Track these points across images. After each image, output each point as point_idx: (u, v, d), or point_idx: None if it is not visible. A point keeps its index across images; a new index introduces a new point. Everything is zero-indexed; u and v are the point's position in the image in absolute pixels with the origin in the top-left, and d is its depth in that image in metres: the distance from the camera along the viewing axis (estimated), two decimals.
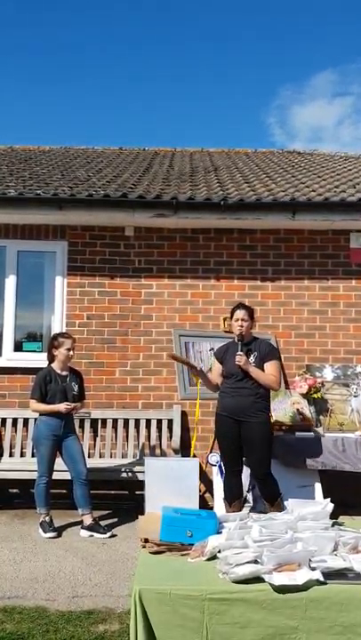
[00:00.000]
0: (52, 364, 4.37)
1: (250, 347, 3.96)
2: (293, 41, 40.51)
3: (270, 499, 3.81)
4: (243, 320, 3.96)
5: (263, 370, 3.89)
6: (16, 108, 39.26)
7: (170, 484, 3.45)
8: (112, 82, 43.91)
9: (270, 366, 3.91)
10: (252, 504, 4.32)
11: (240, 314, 3.99)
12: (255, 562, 2.14)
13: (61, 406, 4.22)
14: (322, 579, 2.07)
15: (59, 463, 4.34)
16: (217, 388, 4.08)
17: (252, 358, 3.90)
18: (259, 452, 3.82)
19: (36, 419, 4.48)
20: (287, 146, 25.19)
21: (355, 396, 4.94)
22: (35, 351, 5.31)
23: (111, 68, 42.16)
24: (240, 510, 3.66)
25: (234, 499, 3.93)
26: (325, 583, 2.07)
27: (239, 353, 3.85)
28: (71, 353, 4.36)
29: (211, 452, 4.76)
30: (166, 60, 41.54)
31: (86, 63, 41.72)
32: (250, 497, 4.35)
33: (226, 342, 4.21)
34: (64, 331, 5.15)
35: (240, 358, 3.83)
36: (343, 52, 42.86)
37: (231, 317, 4.06)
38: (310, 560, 2.15)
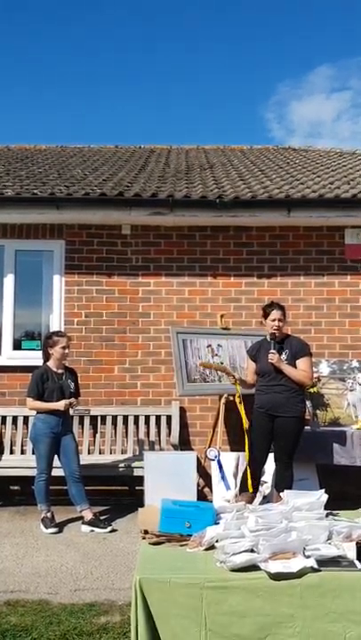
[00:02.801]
0: (48, 363, 4.42)
1: (282, 344, 4.07)
2: (291, 37, 40.51)
3: (281, 488, 3.88)
4: (279, 320, 4.06)
5: (295, 366, 3.99)
6: (12, 108, 39.18)
7: (168, 478, 3.52)
8: (109, 79, 43.81)
9: (302, 363, 4.02)
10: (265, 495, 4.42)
11: (277, 314, 4.07)
12: (251, 551, 2.20)
13: (61, 403, 4.27)
14: (316, 566, 2.13)
15: (57, 460, 4.38)
16: (253, 386, 4.21)
17: (283, 356, 4.01)
18: (288, 440, 3.97)
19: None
20: (286, 141, 25.21)
21: (351, 390, 5.00)
22: (34, 349, 5.35)
23: (108, 66, 42.06)
24: (249, 503, 3.73)
25: (246, 490, 4.02)
26: (319, 570, 2.13)
27: (272, 351, 3.97)
28: (67, 351, 4.41)
29: (209, 447, 4.81)
30: (164, 58, 41.46)
31: (81, 62, 41.62)
32: (262, 489, 4.42)
33: (258, 340, 4.30)
34: (62, 329, 5.20)
35: (273, 357, 3.95)
36: (341, 46, 42.90)
37: (265, 317, 4.13)
38: (305, 548, 2.21)
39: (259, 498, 4.25)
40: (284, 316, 4.12)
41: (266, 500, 4.31)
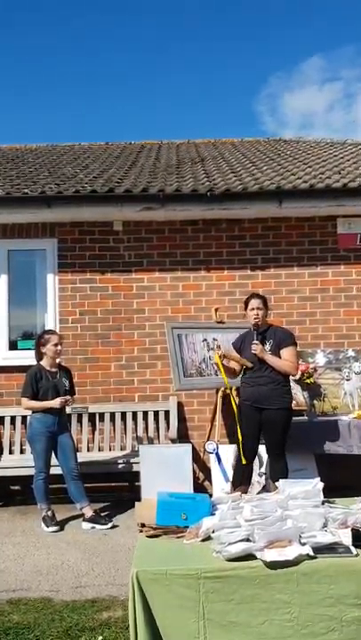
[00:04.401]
0: (41, 362, 4.42)
1: (265, 334, 4.06)
2: (282, 29, 40.38)
3: (275, 479, 3.89)
4: (258, 309, 4.05)
5: (280, 356, 3.98)
6: (9, 109, 39.01)
7: (164, 470, 3.53)
8: (107, 79, 43.65)
9: (286, 352, 4.00)
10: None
11: (255, 303, 4.06)
12: (247, 540, 2.20)
13: (56, 401, 4.27)
14: (312, 553, 2.14)
15: (55, 458, 4.38)
16: (236, 375, 4.21)
17: (267, 346, 4.00)
18: (277, 433, 3.96)
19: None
20: (279, 134, 25.15)
21: (347, 380, 5.00)
22: (30, 349, 5.32)
23: (100, 62, 41.89)
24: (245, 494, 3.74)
25: (240, 483, 4.02)
26: (315, 557, 2.14)
27: (255, 342, 3.96)
28: (59, 348, 4.40)
29: (208, 440, 4.82)
30: (157, 53, 41.31)
31: (73, 61, 41.46)
32: (261, 480, 4.43)
33: (243, 332, 4.30)
34: (57, 328, 5.20)
35: (256, 347, 3.94)
36: (332, 37, 42.77)
37: (246, 307, 4.13)
38: (300, 536, 2.22)
39: (257, 488, 4.26)
40: (265, 305, 4.10)
41: (264, 490, 4.33)
